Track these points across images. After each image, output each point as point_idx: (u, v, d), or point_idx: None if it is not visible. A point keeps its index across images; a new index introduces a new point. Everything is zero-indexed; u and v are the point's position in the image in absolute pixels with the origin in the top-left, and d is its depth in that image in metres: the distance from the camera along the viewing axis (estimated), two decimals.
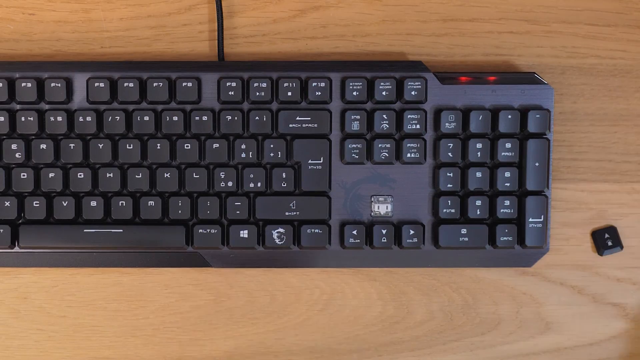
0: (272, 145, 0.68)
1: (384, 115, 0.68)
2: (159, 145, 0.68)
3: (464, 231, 0.69)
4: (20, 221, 0.69)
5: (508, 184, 0.69)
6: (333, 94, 0.69)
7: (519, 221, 0.69)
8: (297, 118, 0.68)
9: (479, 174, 0.69)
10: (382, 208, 0.69)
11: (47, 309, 0.72)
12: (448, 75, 0.69)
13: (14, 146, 0.68)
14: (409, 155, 0.69)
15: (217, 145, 0.68)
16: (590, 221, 0.73)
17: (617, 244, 0.72)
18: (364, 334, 0.73)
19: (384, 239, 0.69)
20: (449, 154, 0.69)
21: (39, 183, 0.68)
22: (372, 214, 0.69)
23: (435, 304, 0.73)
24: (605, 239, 0.72)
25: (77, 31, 0.72)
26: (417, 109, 0.69)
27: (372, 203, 0.69)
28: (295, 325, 0.73)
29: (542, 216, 0.69)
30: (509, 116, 0.68)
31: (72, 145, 0.68)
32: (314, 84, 0.68)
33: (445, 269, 0.72)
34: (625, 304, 0.73)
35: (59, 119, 0.68)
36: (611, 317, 0.73)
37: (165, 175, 0.68)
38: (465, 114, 0.69)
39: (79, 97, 0.69)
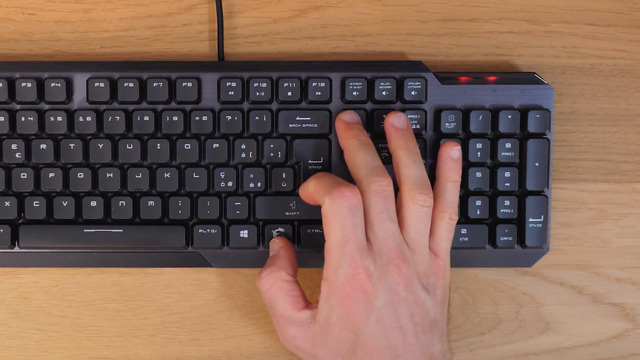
0: (272, 145, 0.68)
1: (384, 115, 0.68)
2: (159, 145, 0.68)
3: (464, 231, 0.69)
4: (20, 221, 0.69)
5: (508, 184, 0.69)
6: (333, 94, 0.69)
7: (519, 221, 0.69)
8: (297, 118, 0.68)
9: (479, 174, 0.69)
10: None
11: (47, 309, 0.72)
12: (448, 75, 0.69)
13: (14, 146, 0.68)
14: None
15: (217, 145, 0.68)
16: (590, 221, 0.73)
17: None
18: None
19: None
20: None
21: (39, 183, 0.68)
22: None
23: None
24: None
25: (77, 31, 0.72)
26: (417, 109, 0.69)
27: None
28: None
29: (542, 216, 0.69)
30: (509, 116, 0.68)
31: (72, 145, 0.68)
32: (314, 84, 0.68)
33: None
34: (625, 304, 0.73)
35: (59, 119, 0.68)
36: (611, 317, 0.73)
37: (165, 175, 0.68)
38: (465, 114, 0.69)
39: (79, 97, 0.69)
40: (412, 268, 0.62)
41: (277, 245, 0.67)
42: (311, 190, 0.63)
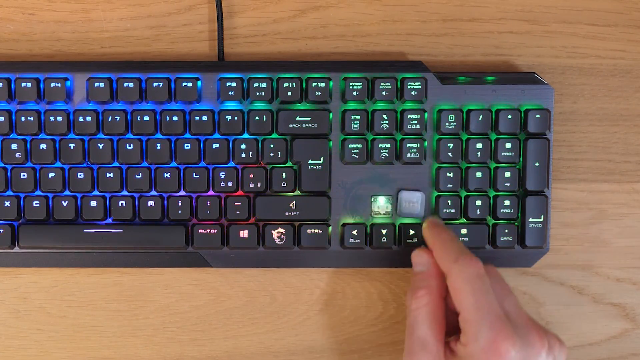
0: (272, 145, 0.68)
1: (384, 115, 0.68)
2: (159, 145, 0.68)
3: (464, 231, 0.69)
4: (20, 221, 0.69)
5: (508, 184, 0.69)
6: (333, 94, 0.69)
7: (519, 221, 0.69)
8: (297, 118, 0.68)
9: (479, 174, 0.69)
10: (382, 208, 0.69)
11: (47, 309, 0.72)
12: (448, 75, 0.69)
13: (14, 146, 0.68)
14: (409, 155, 0.69)
15: (217, 145, 0.68)
16: (590, 221, 0.73)
17: None
18: (364, 334, 0.73)
19: (384, 239, 0.69)
20: (449, 154, 0.69)
21: (39, 183, 0.68)
22: (372, 214, 0.69)
23: None
24: None
25: (77, 31, 0.72)
26: (417, 109, 0.69)
27: (372, 203, 0.69)
28: (295, 325, 0.73)
29: (542, 216, 0.69)
30: (509, 116, 0.68)
31: (72, 145, 0.68)
32: (314, 84, 0.68)
33: None
34: (625, 304, 0.73)
35: (59, 119, 0.68)
36: (611, 317, 0.73)
37: (165, 175, 0.68)
38: (466, 114, 0.69)
39: (79, 97, 0.69)
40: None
41: (425, 260, 0.66)
42: (436, 254, 0.65)
